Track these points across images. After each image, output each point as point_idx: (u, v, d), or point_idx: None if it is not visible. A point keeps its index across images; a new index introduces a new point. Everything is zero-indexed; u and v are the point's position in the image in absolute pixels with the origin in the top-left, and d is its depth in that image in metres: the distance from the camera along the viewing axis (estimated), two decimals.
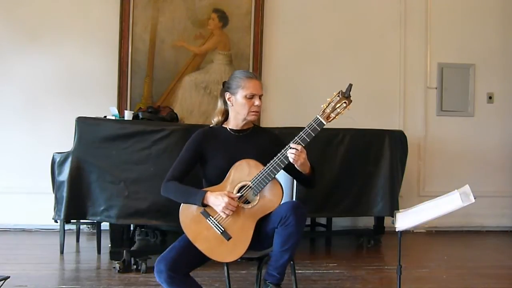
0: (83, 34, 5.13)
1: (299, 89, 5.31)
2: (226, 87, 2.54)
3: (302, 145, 2.35)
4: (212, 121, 2.61)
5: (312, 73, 5.39)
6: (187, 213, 2.42)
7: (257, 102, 2.47)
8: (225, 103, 2.56)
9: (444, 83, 5.60)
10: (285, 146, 2.38)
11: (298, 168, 2.40)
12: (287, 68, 5.35)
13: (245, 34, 5.30)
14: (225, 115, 2.58)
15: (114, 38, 5.13)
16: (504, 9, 5.68)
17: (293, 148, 2.34)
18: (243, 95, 2.46)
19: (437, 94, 5.60)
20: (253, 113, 2.49)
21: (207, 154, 2.50)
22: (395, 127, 5.02)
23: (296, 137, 2.37)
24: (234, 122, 2.55)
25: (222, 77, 5.28)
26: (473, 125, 5.63)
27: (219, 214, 2.36)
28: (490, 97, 5.67)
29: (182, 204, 2.43)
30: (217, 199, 2.33)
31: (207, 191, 2.38)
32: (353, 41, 5.46)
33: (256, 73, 5.24)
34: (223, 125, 2.59)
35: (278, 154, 2.36)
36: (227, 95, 2.52)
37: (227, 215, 2.34)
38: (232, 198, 2.34)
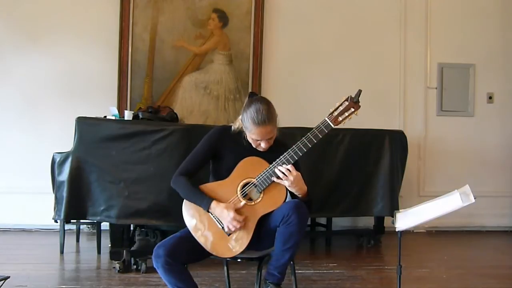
0: (83, 34, 5.12)
1: (299, 89, 5.32)
2: (243, 111, 2.46)
3: (295, 159, 2.35)
4: (233, 126, 2.55)
5: (312, 73, 5.39)
6: (190, 206, 2.43)
7: (263, 145, 2.42)
8: None
9: (444, 83, 5.60)
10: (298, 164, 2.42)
11: (289, 189, 2.38)
12: (287, 68, 5.35)
13: (245, 34, 5.30)
14: None
15: (114, 38, 5.13)
16: (504, 9, 5.68)
17: (282, 167, 2.33)
18: (250, 136, 2.43)
19: (437, 94, 5.60)
20: (261, 149, 2.46)
21: (221, 153, 2.50)
22: (395, 127, 5.02)
23: (303, 138, 2.38)
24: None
25: (222, 77, 5.28)
26: (473, 125, 5.63)
27: None
28: (490, 97, 5.67)
29: None
30: (222, 213, 2.33)
31: (213, 200, 2.36)
32: (353, 41, 5.46)
33: (256, 74, 5.25)
34: (243, 131, 2.55)
35: (284, 153, 2.37)
36: (240, 122, 2.48)
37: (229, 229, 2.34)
38: (238, 211, 2.33)
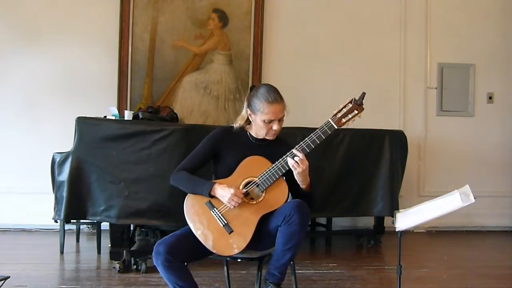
0: (83, 34, 5.12)
1: (299, 89, 5.31)
2: (249, 101, 2.50)
3: (304, 153, 2.37)
4: (234, 125, 2.58)
5: (312, 73, 5.39)
6: (192, 203, 2.43)
7: (275, 127, 2.45)
8: None
9: (444, 83, 5.60)
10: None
11: (296, 177, 2.40)
12: (287, 68, 5.35)
13: (245, 34, 5.30)
14: (248, 121, 2.56)
15: (114, 38, 5.13)
16: (504, 9, 5.68)
17: (295, 155, 2.36)
18: (262, 119, 2.44)
19: (437, 94, 5.61)
20: (271, 135, 2.49)
21: (222, 153, 2.51)
22: (395, 127, 5.02)
23: (306, 139, 2.39)
24: (254, 131, 2.54)
25: (222, 77, 5.28)
26: (473, 125, 5.63)
27: (223, 207, 2.37)
28: (490, 97, 5.67)
29: (188, 194, 2.45)
30: (223, 190, 2.35)
31: (215, 182, 2.39)
32: (353, 41, 5.46)
33: (256, 74, 5.25)
34: (245, 128, 2.57)
35: (288, 154, 2.38)
36: (248, 111, 2.51)
37: (233, 207, 2.35)
38: (239, 191, 2.35)
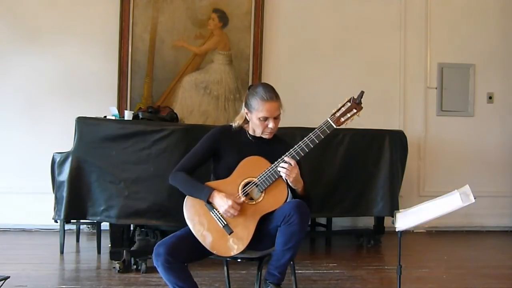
0: (83, 34, 5.13)
1: (299, 89, 5.31)
2: (246, 100, 2.52)
3: (303, 153, 2.37)
4: (233, 124, 2.59)
5: (312, 73, 5.39)
6: (192, 203, 2.43)
7: (271, 125, 2.46)
8: None
9: (444, 83, 5.60)
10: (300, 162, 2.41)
11: (290, 184, 2.41)
12: (287, 68, 5.35)
13: (245, 34, 5.30)
14: (247, 119, 2.56)
15: (114, 38, 5.13)
16: (504, 9, 5.68)
17: (286, 163, 2.36)
18: (258, 117, 2.45)
19: (437, 94, 5.61)
20: (267, 133, 2.49)
21: (221, 152, 2.51)
22: (395, 127, 5.02)
23: (305, 138, 2.39)
24: (252, 130, 2.54)
25: (222, 77, 5.28)
26: (473, 125, 5.63)
27: None
28: (490, 97, 5.67)
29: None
30: (221, 200, 2.34)
31: (214, 189, 2.38)
32: (353, 41, 5.46)
33: (256, 74, 5.25)
34: (244, 127, 2.58)
35: (286, 154, 2.38)
36: (245, 109, 2.52)
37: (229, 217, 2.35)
38: (237, 203, 2.34)
